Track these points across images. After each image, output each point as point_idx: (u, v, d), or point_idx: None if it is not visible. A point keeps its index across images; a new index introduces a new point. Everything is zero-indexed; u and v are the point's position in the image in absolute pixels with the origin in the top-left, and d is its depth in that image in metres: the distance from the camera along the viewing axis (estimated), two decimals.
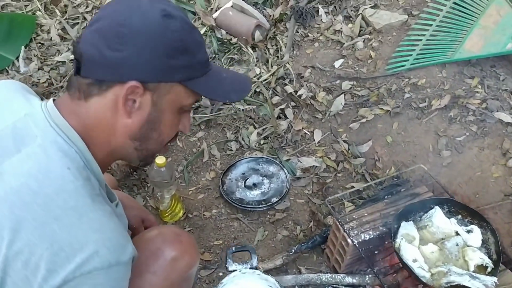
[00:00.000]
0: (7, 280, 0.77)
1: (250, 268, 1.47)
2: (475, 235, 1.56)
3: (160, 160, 1.71)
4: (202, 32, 2.61)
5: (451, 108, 1.98)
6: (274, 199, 1.87)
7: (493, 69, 2.09)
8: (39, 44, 2.51)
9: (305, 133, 2.17)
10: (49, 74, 2.37)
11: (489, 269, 1.48)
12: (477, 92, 1.99)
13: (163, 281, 0.96)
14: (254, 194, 1.88)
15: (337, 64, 2.35)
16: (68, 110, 0.87)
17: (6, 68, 2.38)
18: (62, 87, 2.31)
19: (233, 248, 1.54)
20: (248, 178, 1.94)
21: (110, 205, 0.87)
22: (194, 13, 2.75)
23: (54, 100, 0.91)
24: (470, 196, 1.77)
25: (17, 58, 2.41)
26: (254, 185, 1.93)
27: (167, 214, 1.89)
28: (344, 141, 2.10)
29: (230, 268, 1.47)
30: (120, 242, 0.81)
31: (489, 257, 1.52)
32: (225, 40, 2.58)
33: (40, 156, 0.81)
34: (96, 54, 0.83)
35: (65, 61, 2.40)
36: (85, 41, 0.86)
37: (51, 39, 2.54)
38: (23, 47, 2.43)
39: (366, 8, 2.48)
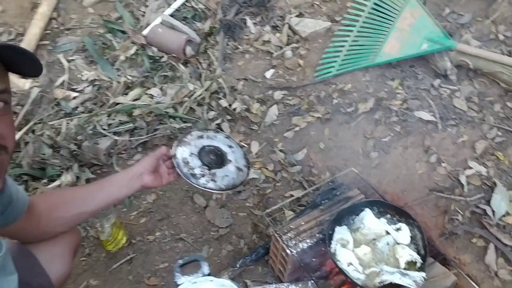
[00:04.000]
0: None
1: (202, 276, 1.35)
2: (404, 233, 1.66)
3: None
4: (132, 51, 2.59)
5: (375, 111, 2.08)
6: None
7: (412, 69, 2.21)
8: None
9: (243, 145, 2.21)
10: None
11: (418, 264, 1.58)
12: (398, 93, 2.11)
13: None
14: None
15: (268, 74, 2.40)
16: None
17: None
18: None
19: (180, 261, 1.42)
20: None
21: None
22: (123, 32, 2.72)
23: None
24: (399, 194, 1.87)
25: None
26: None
27: (109, 243, 1.87)
28: (281, 150, 2.16)
29: (179, 282, 1.35)
30: None
31: (418, 252, 1.61)
32: (157, 58, 2.58)
33: None
34: None
35: None
36: None
37: None
38: None
39: (292, 17, 2.55)
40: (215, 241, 1.93)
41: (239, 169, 1.50)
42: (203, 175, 1.42)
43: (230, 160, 1.50)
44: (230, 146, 1.55)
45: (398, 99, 2.09)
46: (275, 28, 2.58)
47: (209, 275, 1.37)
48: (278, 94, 2.29)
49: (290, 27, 2.54)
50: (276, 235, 1.69)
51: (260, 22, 2.63)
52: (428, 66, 2.19)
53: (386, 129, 2.03)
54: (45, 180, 1.99)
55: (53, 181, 1.99)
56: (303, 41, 2.48)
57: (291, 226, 1.73)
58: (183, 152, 1.43)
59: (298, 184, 2.07)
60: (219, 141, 1.54)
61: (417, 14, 2.23)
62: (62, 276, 1.26)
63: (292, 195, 2.01)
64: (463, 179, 1.80)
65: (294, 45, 2.48)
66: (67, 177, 2.00)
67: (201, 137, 1.51)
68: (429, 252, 1.61)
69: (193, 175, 1.41)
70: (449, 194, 1.78)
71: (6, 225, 1.05)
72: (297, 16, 2.58)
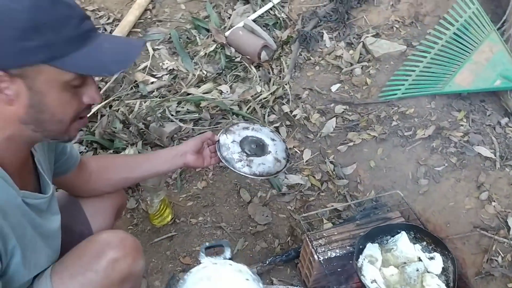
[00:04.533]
0: None
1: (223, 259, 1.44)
2: (436, 262, 1.63)
3: None
4: (212, 48, 2.76)
5: (434, 139, 2.05)
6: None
7: (482, 103, 2.15)
8: None
9: (296, 151, 2.27)
10: None
11: None
12: (462, 125, 2.06)
13: (103, 279, 1.06)
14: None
15: (334, 88, 2.45)
16: None
17: None
18: None
19: (207, 244, 1.54)
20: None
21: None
22: (207, 30, 2.91)
23: None
24: (442, 225, 1.83)
25: None
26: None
27: (155, 218, 2.02)
28: (331, 162, 2.19)
29: (202, 261, 1.47)
30: None
31: (447, 284, 1.58)
32: (233, 58, 2.73)
33: None
34: None
35: None
36: None
37: None
38: None
39: (368, 37, 2.58)
40: (252, 236, 2.01)
41: (277, 160, 1.59)
42: (240, 160, 1.54)
43: (270, 151, 1.60)
44: (273, 139, 1.66)
45: (460, 131, 2.04)
46: (349, 44, 2.63)
47: (230, 259, 1.45)
48: (339, 108, 2.33)
49: (364, 46, 2.57)
50: (307, 238, 1.73)
51: (336, 37, 2.69)
52: (499, 103, 2.12)
53: (441, 158, 1.99)
54: (111, 151, 2.19)
55: (118, 153, 2.18)
56: (375, 61, 2.50)
57: (324, 234, 1.76)
58: (226, 139, 1.57)
59: (342, 197, 2.09)
60: (263, 134, 1.66)
61: (496, 49, 2.17)
62: (102, 230, 1.41)
63: (334, 207, 2.04)
64: (510, 222, 1.73)
65: (365, 63, 2.50)
66: (130, 151, 2.18)
67: (246, 128, 1.65)
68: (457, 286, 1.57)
69: (231, 159, 1.53)
70: (493, 234, 1.72)
71: (57, 175, 1.21)
72: (373, 36, 2.60)
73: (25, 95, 0.88)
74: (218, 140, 1.55)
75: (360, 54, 2.55)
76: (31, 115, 0.91)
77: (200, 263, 1.45)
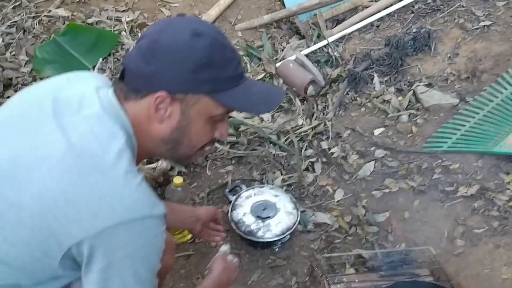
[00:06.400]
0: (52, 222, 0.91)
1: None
2: None
3: (177, 180, 1.85)
4: (260, 77, 2.78)
5: (477, 199, 1.94)
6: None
7: None
8: (116, 59, 2.82)
9: (328, 190, 2.20)
10: None
11: None
12: (508, 189, 1.94)
13: None
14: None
15: (377, 131, 2.39)
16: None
17: None
18: None
19: (227, 190, 2.01)
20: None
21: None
22: (259, 59, 2.94)
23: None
24: None
25: (94, 67, 2.72)
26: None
27: (176, 234, 2.00)
28: (363, 206, 2.10)
29: (231, 199, 1.89)
30: (153, 200, 0.98)
31: None
32: None
33: (93, 121, 0.98)
34: (133, 66, 1.00)
35: None
36: (129, 56, 1.04)
37: None
38: (101, 59, 2.75)
39: (420, 85, 2.52)
40: (269, 269, 1.94)
41: (289, 213, 1.79)
42: (259, 229, 1.72)
43: (279, 209, 1.80)
44: (277, 195, 1.89)
45: (506, 195, 1.92)
46: (399, 91, 2.57)
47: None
48: (379, 152, 2.26)
49: (414, 94, 2.51)
50: (325, 280, 1.65)
51: (387, 82, 2.64)
52: None
53: (482, 221, 1.87)
54: (144, 160, 2.21)
55: (151, 163, 2.20)
56: (424, 111, 2.42)
57: (344, 279, 1.68)
58: (238, 214, 1.79)
59: (369, 244, 1.98)
60: (266, 193, 1.88)
61: None
62: None
63: (359, 253, 1.94)
64: None
65: (413, 111, 2.43)
66: (163, 164, 2.19)
67: (249, 196, 1.88)
68: None
69: (251, 231, 1.72)
70: None
71: None
72: (425, 85, 2.54)
73: (176, 118, 1.02)
74: (232, 219, 1.81)
75: (409, 101, 2.48)
76: (174, 136, 1.04)
77: (230, 200, 1.93)
